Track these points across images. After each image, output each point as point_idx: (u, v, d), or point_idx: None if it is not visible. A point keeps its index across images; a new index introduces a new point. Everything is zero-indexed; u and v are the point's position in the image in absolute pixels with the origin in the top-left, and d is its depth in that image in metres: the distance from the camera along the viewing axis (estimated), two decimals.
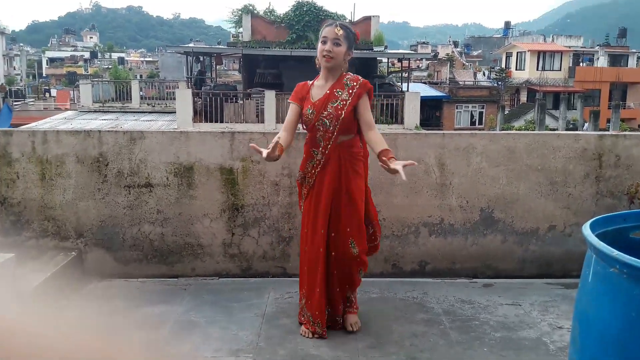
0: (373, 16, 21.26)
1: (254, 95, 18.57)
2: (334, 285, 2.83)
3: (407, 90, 19.98)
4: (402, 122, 18.11)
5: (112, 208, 3.61)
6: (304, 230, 2.86)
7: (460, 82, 40.67)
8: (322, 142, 2.73)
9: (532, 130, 25.39)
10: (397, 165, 2.54)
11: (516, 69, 41.77)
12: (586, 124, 27.18)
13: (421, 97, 19.81)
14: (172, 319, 3.06)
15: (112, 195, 3.60)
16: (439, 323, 3.05)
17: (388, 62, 24.96)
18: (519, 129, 26.87)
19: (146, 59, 76.74)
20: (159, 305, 3.25)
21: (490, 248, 3.73)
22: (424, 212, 3.68)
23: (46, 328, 0.72)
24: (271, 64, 20.31)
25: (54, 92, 45.87)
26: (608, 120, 29.64)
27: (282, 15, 21.29)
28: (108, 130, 3.66)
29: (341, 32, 2.66)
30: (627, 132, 4.02)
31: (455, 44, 61.67)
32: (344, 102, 2.69)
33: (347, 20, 21.87)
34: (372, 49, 20.08)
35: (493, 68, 47.54)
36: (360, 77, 2.76)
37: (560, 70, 39.82)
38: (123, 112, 23.10)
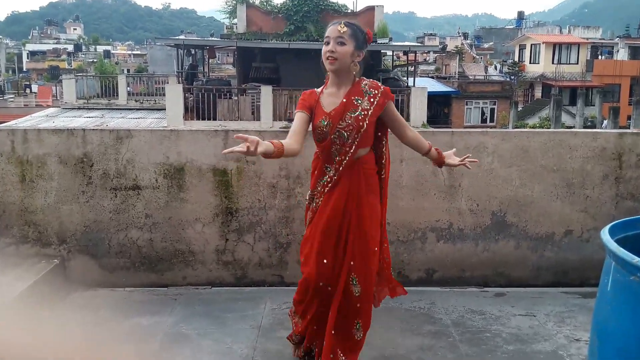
0: (377, 6, 21.30)
1: (249, 91, 18.60)
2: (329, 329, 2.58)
3: (414, 85, 20.03)
4: (408, 119, 18.11)
5: (97, 212, 3.61)
6: (302, 258, 2.67)
7: (470, 77, 40.76)
8: (338, 157, 2.56)
9: (547, 128, 25.43)
10: (454, 160, 2.81)
11: (530, 63, 41.85)
12: (605, 121, 27.23)
13: (428, 92, 19.87)
14: (161, 331, 3.06)
15: (97, 198, 3.61)
16: (448, 335, 3.05)
17: (393, 55, 25.09)
18: (533, 127, 26.87)
19: (134, 52, 76.89)
20: (148, 316, 3.25)
21: (503, 254, 3.74)
22: (431, 216, 3.68)
23: (27, 340, 0.73)
24: (268, 57, 20.32)
25: (35, 87, 46.05)
26: (629, 117, 29.68)
27: (279, 5, 21.36)
28: (93, 129, 3.67)
29: (345, 29, 2.49)
30: None
31: (465, 36, 61.79)
32: (366, 112, 2.52)
33: (349, 10, 21.95)
34: (376, 41, 20.09)
35: (505, 61, 47.65)
36: (379, 84, 2.61)
37: (577, 63, 39.88)
38: (109, 109, 23.18)
